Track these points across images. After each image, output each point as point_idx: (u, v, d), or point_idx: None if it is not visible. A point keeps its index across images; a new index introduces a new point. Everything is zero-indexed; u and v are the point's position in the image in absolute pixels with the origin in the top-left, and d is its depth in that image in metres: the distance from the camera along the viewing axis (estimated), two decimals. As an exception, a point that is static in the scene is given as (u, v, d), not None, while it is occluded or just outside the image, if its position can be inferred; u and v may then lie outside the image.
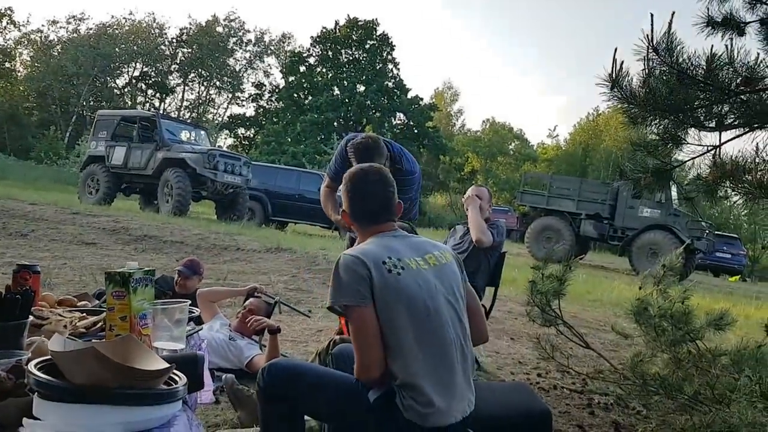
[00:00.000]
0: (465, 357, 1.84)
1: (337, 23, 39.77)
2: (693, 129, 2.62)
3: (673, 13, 2.34)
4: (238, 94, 46.19)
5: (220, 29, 44.46)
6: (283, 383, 1.85)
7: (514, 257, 13.44)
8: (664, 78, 2.44)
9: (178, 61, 44.53)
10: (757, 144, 2.37)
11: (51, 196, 12.77)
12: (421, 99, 39.66)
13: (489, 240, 3.71)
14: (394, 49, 39.56)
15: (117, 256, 7.24)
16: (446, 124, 51.21)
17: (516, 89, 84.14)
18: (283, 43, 46.70)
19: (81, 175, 14.45)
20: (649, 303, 3.44)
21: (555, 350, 3.61)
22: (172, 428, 1.25)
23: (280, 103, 40.62)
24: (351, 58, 39.70)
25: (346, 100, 38.22)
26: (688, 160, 2.74)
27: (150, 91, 44.87)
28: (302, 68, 39.78)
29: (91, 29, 41.52)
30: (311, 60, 40.20)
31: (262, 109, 44.66)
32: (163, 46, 44.10)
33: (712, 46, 2.36)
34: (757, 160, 2.34)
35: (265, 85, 45.71)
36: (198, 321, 2.82)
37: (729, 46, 2.33)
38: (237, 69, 45.74)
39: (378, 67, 39.03)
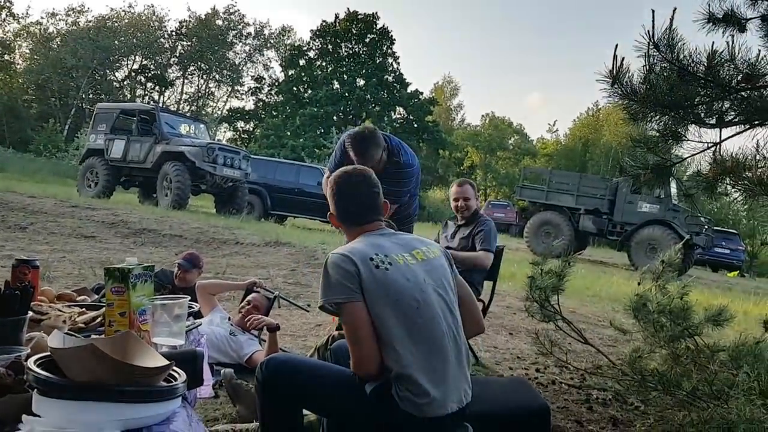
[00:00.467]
0: (458, 347, 1.86)
1: (337, 17, 39.73)
2: (693, 125, 2.62)
3: (675, 9, 2.34)
4: (238, 87, 46.10)
5: (219, 22, 44.31)
6: (281, 377, 1.86)
7: (512, 252, 13.46)
8: (665, 74, 2.44)
9: (177, 54, 44.34)
10: (758, 141, 2.37)
11: (50, 188, 12.78)
12: (421, 93, 39.67)
13: (488, 259, 3.78)
14: (393, 43, 39.52)
15: (116, 249, 7.24)
16: (446, 119, 51.18)
17: (516, 86, 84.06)
18: (283, 36, 46.64)
19: (80, 168, 14.47)
20: (647, 298, 3.44)
21: (553, 345, 3.62)
22: (171, 425, 1.25)
23: (280, 96, 40.52)
24: (351, 51, 39.61)
25: (346, 94, 38.17)
26: (689, 157, 2.75)
27: (149, 84, 44.71)
28: (302, 62, 39.72)
29: (90, 22, 41.33)
30: (311, 53, 40.14)
31: (261, 103, 44.53)
32: (162, 39, 43.89)
33: (713, 42, 2.36)
34: (757, 157, 2.34)
35: (264, 79, 45.62)
36: (197, 315, 2.82)
37: (730, 43, 2.33)
38: (236, 62, 45.58)
39: (378, 61, 38.96)
